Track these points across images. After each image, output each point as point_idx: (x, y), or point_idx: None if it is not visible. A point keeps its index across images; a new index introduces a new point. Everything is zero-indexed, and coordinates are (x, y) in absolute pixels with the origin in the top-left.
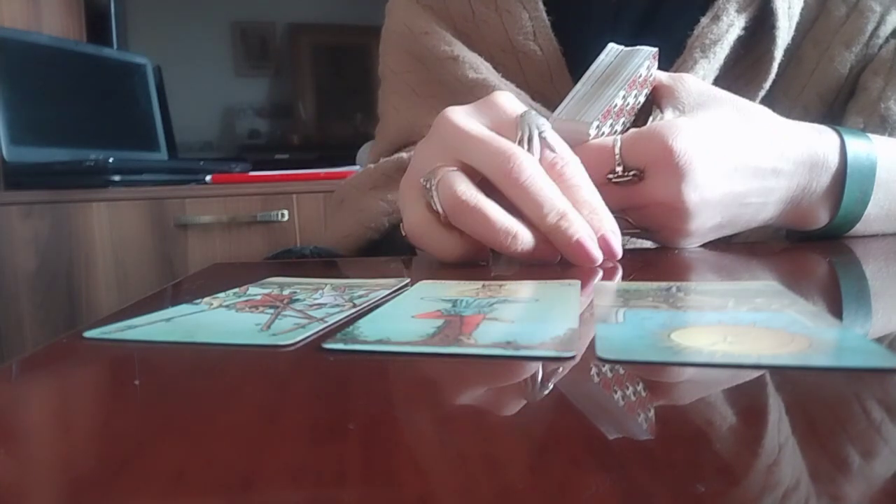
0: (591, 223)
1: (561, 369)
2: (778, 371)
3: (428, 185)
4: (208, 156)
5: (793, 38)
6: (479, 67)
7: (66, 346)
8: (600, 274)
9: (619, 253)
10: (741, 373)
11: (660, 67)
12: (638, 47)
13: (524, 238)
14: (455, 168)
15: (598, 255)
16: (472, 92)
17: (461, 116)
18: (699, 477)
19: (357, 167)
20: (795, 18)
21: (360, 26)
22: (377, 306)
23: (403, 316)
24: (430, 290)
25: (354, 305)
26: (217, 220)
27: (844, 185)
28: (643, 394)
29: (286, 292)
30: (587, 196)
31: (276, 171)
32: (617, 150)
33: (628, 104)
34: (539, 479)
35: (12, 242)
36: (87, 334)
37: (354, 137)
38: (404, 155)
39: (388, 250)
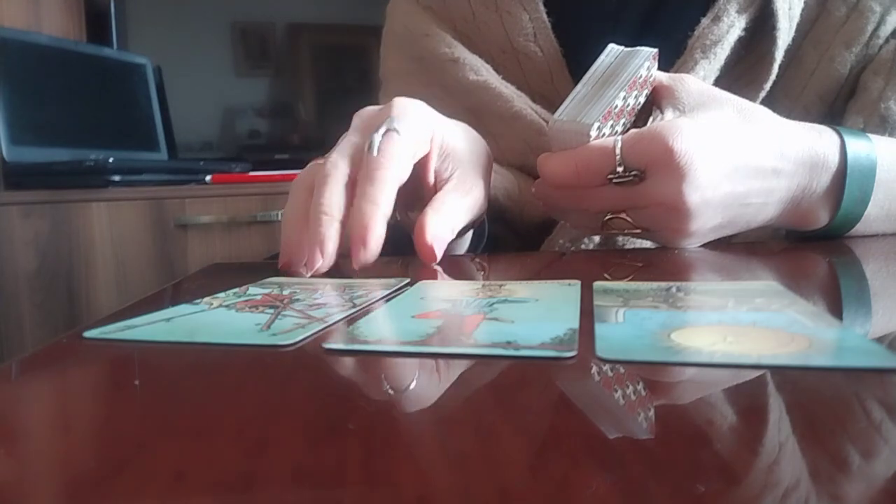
0: (353, 228)
1: (561, 369)
2: (778, 371)
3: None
4: (208, 156)
5: (793, 39)
6: (480, 69)
7: (66, 346)
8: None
9: (364, 259)
10: (741, 373)
11: (660, 68)
12: (638, 48)
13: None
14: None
15: (315, 262)
16: (472, 94)
17: (355, 120)
18: (699, 477)
19: None
20: (796, 19)
21: (360, 26)
22: (377, 306)
23: (403, 316)
24: (430, 290)
25: (354, 305)
26: (217, 220)
27: (844, 185)
28: (643, 393)
29: (286, 292)
30: (361, 201)
31: (276, 171)
32: (617, 151)
33: (629, 105)
34: (539, 479)
35: (12, 242)
36: (87, 334)
37: None
38: None
39: (388, 245)
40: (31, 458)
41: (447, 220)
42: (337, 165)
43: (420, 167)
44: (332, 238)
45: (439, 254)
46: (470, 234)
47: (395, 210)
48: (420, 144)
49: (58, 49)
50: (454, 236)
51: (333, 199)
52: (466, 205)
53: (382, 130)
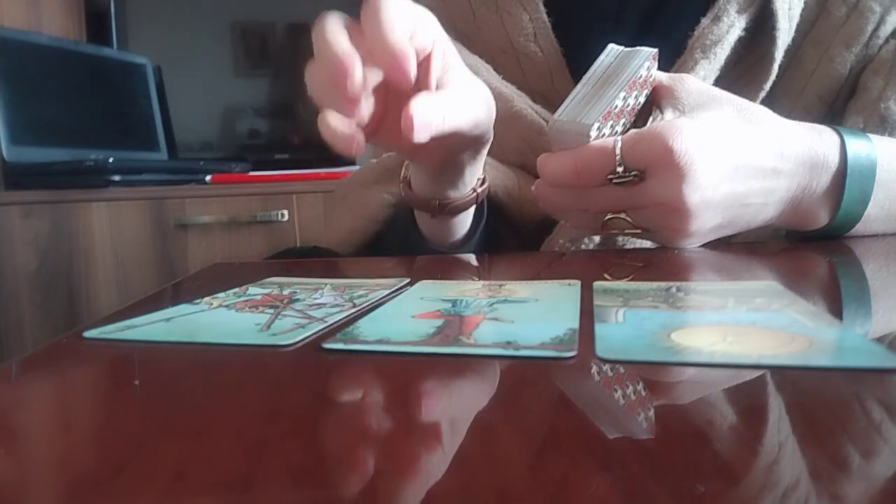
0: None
1: (561, 369)
2: (778, 371)
3: None
4: (208, 156)
5: (793, 39)
6: (479, 69)
7: (66, 346)
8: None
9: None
10: (741, 373)
11: (660, 68)
12: (638, 48)
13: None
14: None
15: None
16: None
17: None
18: (699, 477)
19: (356, 167)
20: (796, 19)
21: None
22: (377, 306)
23: (403, 316)
24: (430, 290)
25: (354, 305)
26: (217, 220)
27: (844, 186)
28: (643, 393)
29: (286, 292)
30: (380, 35)
31: (276, 171)
32: (617, 151)
33: (629, 105)
34: (539, 479)
35: (12, 242)
36: (87, 334)
37: None
38: None
39: (390, 237)
40: (31, 458)
41: (442, 103)
42: (329, 23)
43: (421, 71)
44: (356, 71)
45: (420, 129)
46: (472, 211)
47: (400, 187)
48: (422, 22)
49: (58, 49)
50: (445, 127)
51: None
52: (467, 102)
53: None
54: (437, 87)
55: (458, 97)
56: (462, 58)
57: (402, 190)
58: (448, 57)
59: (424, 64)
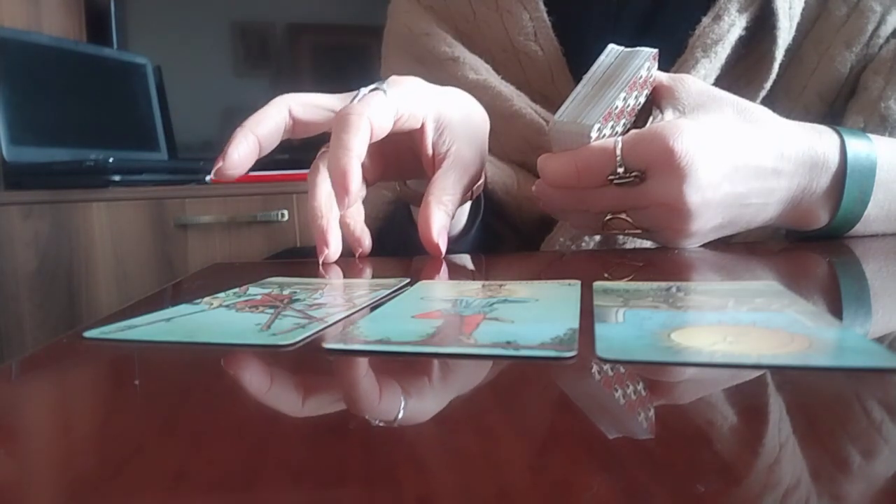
0: (332, 176)
1: (561, 369)
2: (778, 371)
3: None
4: (208, 156)
5: (793, 38)
6: (479, 69)
7: (66, 346)
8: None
9: (348, 201)
10: (741, 373)
11: (661, 67)
12: (638, 48)
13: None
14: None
15: (322, 253)
16: (471, 92)
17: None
18: (699, 477)
19: None
20: (796, 18)
21: (360, 26)
22: (377, 306)
23: (403, 316)
24: (430, 290)
25: (354, 305)
26: (217, 220)
27: (844, 186)
28: (643, 393)
29: (286, 292)
30: (335, 149)
31: (276, 171)
32: (618, 152)
33: (629, 105)
34: (539, 479)
35: (12, 242)
36: (87, 334)
37: None
38: None
39: (389, 234)
40: (32, 458)
41: (448, 208)
42: (318, 168)
43: (417, 142)
44: (328, 231)
45: (445, 247)
46: (467, 207)
47: (396, 183)
48: (408, 111)
49: (58, 49)
50: (453, 217)
51: (319, 202)
52: (465, 185)
53: (371, 87)
54: (434, 153)
55: (458, 175)
56: (462, 56)
57: (398, 185)
58: (442, 117)
59: (419, 137)
